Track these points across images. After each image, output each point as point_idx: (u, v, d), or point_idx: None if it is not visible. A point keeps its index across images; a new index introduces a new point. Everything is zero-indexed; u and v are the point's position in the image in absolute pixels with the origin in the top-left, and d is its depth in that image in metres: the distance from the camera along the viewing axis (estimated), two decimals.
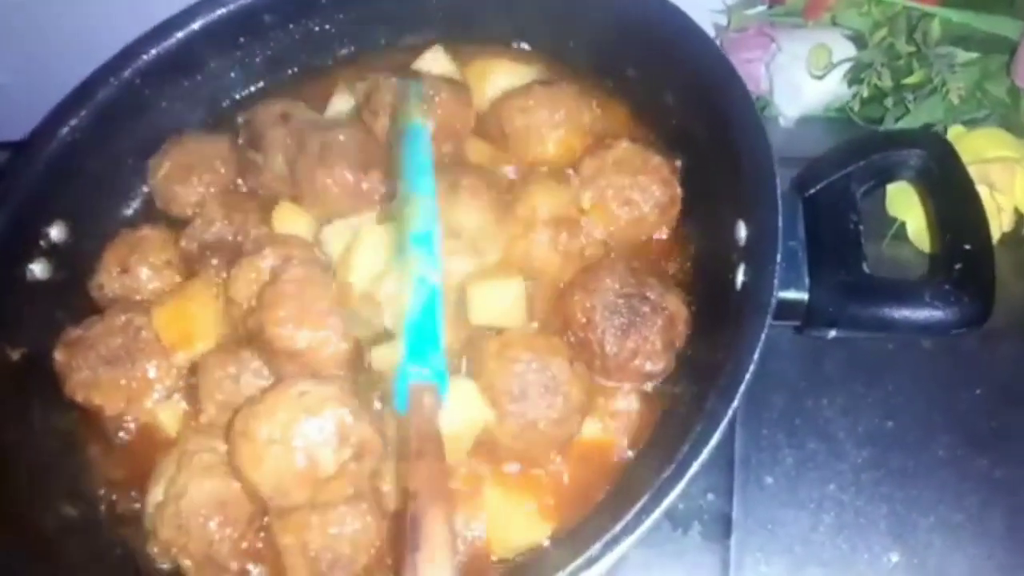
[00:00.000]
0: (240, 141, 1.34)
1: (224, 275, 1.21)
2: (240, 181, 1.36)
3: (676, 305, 1.14)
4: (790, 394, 1.35)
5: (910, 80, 1.44)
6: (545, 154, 1.27)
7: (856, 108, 1.50)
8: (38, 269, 1.27)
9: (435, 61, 1.36)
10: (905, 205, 1.40)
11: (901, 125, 1.46)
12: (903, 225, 1.42)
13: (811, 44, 1.53)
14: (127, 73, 1.36)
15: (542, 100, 1.25)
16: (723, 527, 1.27)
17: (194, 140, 1.38)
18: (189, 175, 1.34)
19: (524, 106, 1.26)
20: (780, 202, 0.99)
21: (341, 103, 1.38)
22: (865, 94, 1.49)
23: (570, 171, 1.23)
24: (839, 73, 1.54)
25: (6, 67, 1.69)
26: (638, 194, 1.18)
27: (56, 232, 1.29)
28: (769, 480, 1.30)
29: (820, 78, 1.51)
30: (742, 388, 0.90)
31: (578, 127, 1.27)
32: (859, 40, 1.55)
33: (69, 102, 1.32)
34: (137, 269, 1.27)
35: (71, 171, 1.31)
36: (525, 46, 1.44)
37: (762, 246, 0.99)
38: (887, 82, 1.48)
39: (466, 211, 1.17)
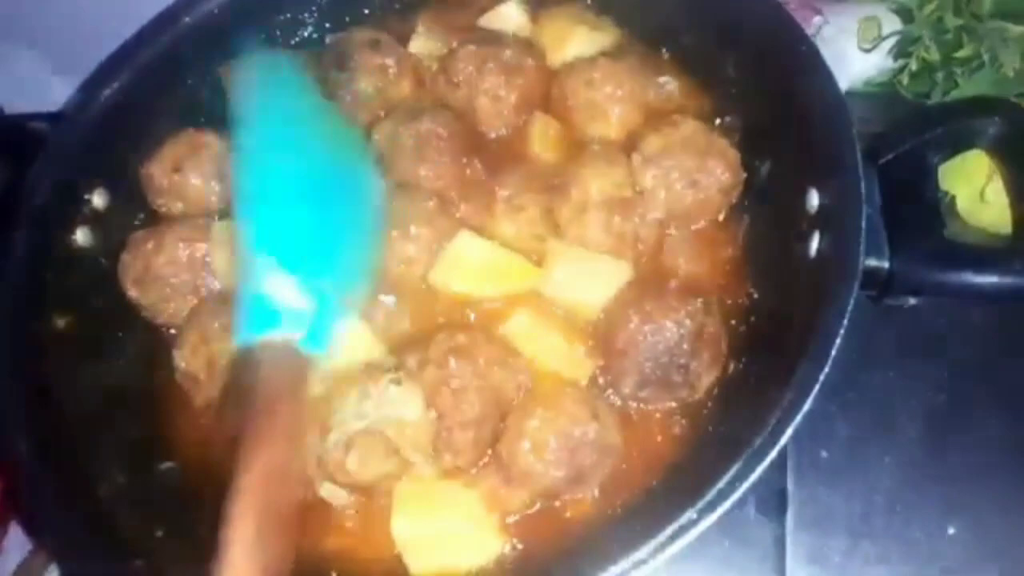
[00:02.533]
0: (324, 59, 1.31)
1: None
2: None
3: (709, 381, 1.11)
4: (842, 367, 1.31)
5: (960, 54, 1.43)
6: (606, 130, 1.24)
7: (905, 82, 1.48)
8: (81, 236, 1.23)
9: (511, 17, 1.33)
10: (956, 178, 1.38)
11: (949, 100, 1.45)
12: (953, 198, 1.41)
13: (858, 17, 1.52)
14: (167, 36, 1.33)
15: (608, 75, 1.23)
16: (778, 502, 1.26)
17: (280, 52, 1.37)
18: None
19: (589, 79, 1.23)
20: (861, 166, 0.97)
21: (422, 42, 1.35)
22: (914, 68, 1.47)
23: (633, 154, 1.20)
24: (884, 47, 1.53)
25: (43, 36, 1.64)
26: (704, 176, 1.15)
27: (98, 198, 1.26)
28: (824, 454, 1.29)
29: (869, 51, 1.50)
30: (832, 354, 0.88)
31: (641, 103, 1.24)
32: (905, 13, 1.53)
33: (110, 65, 1.29)
34: (189, 172, 1.26)
35: (112, 134, 1.28)
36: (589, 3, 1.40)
37: (843, 212, 0.98)
38: (935, 56, 1.46)
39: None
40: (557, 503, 1.07)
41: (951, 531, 1.22)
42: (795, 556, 1.23)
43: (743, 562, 1.23)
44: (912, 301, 1.01)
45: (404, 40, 1.34)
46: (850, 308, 0.90)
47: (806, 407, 0.87)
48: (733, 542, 1.24)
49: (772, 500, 1.26)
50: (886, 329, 1.35)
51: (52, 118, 1.53)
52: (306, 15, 1.42)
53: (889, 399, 1.31)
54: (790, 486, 1.27)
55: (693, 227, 1.20)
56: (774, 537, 1.24)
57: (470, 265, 1.14)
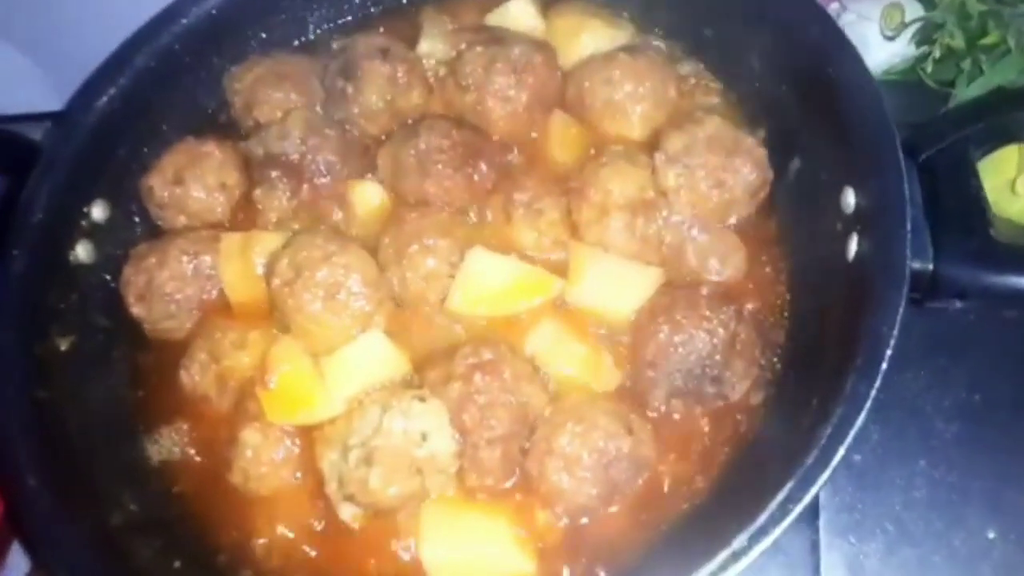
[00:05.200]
0: (330, 67, 1.26)
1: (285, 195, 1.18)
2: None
3: (743, 389, 1.07)
4: None
5: (986, 41, 1.39)
6: (627, 129, 1.19)
7: (928, 70, 1.44)
8: (82, 251, 1.18)
9: (521, 12, 1.28)
10: (985, 169, 1.34)
11: (975, 87, 1.40)
12: None
13: (879, 3, 1.47)
14: (163, 40, 1.27)
15: (628, 72, 1.18)
16: (810, 508, 1.20)
17: (285, 56, 1.31)
18: (283, 81, 1.26)
19: (608, 77, 1.18)
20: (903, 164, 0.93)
21: (430, 44, 1.30)
22: (937, 55, 1.43)
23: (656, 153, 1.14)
24: (906, 34, 1.48)
25: (30, 35, 1.59)
26: (730, 176, 1.11)
27: (98, 211, 1.21)
28: (856, 458, 1.24)
29: (892, 39, 1.45)
30: (884, 367, 0.84)
31: (663, 101, 1.19)
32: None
33: (106, 70, 1.23)
34: (191, 184, 1.21)
35: (110, 144, 1.23)
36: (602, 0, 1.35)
37: (885, 215, 0.94)
38: (960, 43, 1.42)
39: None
40: (589, 520, 1.02)
41: (991, 535, 1.18)
42: (830, 563, 1.19)
43: (777, 570, 1.19)
44: (958, 304, 0.96)
45: (411, 42, 1.29)
46: (900, 318, 0.85)
47: (859, 423, 0.82)
48: (767, 551, 1.20)
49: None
50: (915, 326, 1.28)
51: (41, 119, 1.49)
52: (308, 14, 1.36)
53: (921, 400, 1.27)
54: (822, 492, 1.22)
55: (720, 228, 1.15)
56: (808, 544, 1.20)
57: (488, 286, 1.09)
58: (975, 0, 1.41)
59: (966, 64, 1.41)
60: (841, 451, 0.82)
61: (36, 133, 1.47)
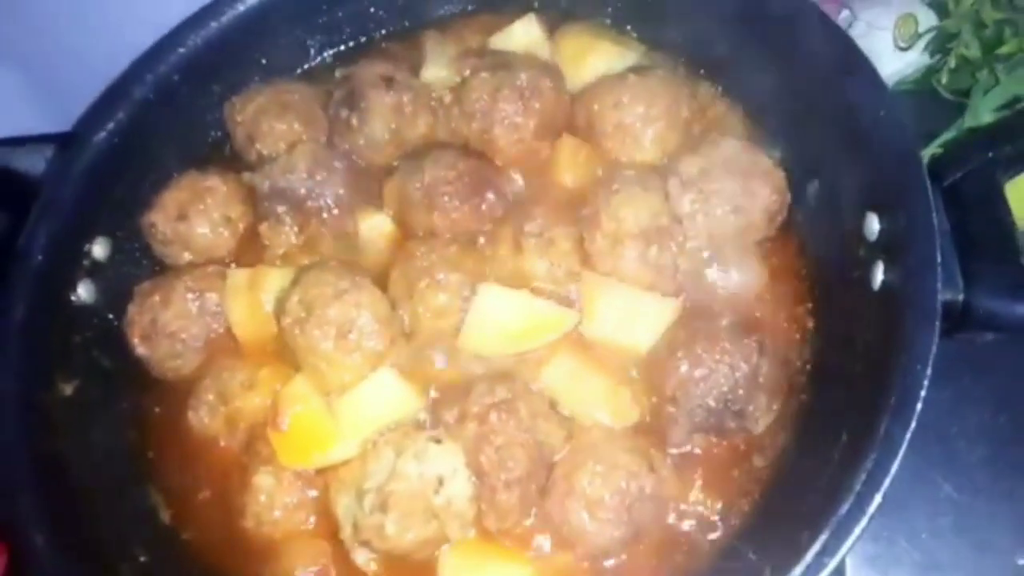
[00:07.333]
0: (334, 96, 1.23)
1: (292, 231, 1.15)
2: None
3: (766, 423, 1.04)
4: None
5: (1004, 50, 1.36)
6: (639, 153, 1.16)
7: (944, 80, 1.41)
8: (83, 291, 1.15)
9: (527, 34, 1.25)
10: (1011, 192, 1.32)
11: (991, 97, 1.37)
12: None
13: (890, 12, 1.44)
14: (161, 70, 1.23)
15: (638, 94, 1.14)
16: None
17: (287, 84, 1.27)
18: (286, 112, 1.22)
19: (618, 101, 1.15)
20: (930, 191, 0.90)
21: (434, 70, 1.27)
22: (952, 65, 1.40)
23: (670, 178, 1.12)
24: (920, 43, 1.45)
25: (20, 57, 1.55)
26: (748, 200, 1.08)
27: (99, 249, 1.18)
28: None
29: (906, 49, 1.42)
30: (919, 407, 0.81)
31: (675, 122, 1.16)
32: (939, 8, 1.46)
33: (102, 104, 1.20)
34: (195, 219, 1.18)
35: (109, 179, 1.20)
36: (609, 21, 1.32)
37: (912, 245, 0.91)
38: (975, 52, 1.39)
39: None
40: (612, 562, 1.00)
41: (1021, 561, 1.16)
42: None
43: None
44: (989, 337, 0.93)
45: (414, 66, 1.26)
46: (932, 356, 0.82)
47: (894, 469, 0.80)
48: None
49: None
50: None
51: (38, 141, 1.46)
52: (309, 39, 1.33)
53: (946, 421, 1.24)
54: None
55: (738, 254, 1.12)
56: (834, 573, 1.18)
57: (501, 324, 1.06)
58: (991, 8, 1.39)
59: (982, 74, 1.38)
60: (878, 498, 0.79)
61: (34, 156, 1.45)
